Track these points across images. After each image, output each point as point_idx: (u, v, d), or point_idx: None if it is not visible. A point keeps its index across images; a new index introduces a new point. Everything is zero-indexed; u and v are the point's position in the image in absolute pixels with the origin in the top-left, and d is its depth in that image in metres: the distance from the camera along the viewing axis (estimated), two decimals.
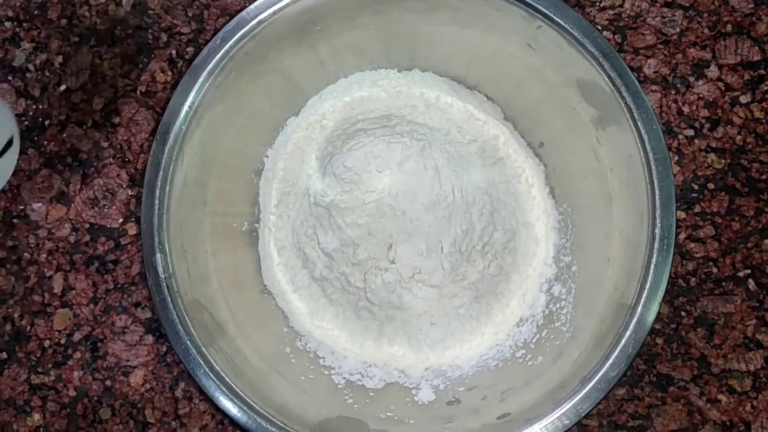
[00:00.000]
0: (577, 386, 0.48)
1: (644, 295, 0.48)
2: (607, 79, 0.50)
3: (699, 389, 0.58)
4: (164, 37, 0.62)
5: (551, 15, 0.50)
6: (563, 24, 0.50)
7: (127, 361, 0.60)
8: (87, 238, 0.61)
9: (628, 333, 0.48)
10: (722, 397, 0.58)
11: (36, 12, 0.63)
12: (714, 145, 0.60)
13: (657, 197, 0.49)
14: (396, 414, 0.54)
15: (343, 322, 0.58)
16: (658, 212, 0.49)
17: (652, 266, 0.48)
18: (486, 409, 0.52)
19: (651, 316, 0.48)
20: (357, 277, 0.56)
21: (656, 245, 0.48)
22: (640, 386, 0.58)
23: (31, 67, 0.62)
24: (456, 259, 0.56)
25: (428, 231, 0.55)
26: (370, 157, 0.55)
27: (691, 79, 0.60)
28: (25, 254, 0.60)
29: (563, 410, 0.48)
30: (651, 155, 0.49)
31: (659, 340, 0.58)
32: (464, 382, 0.56)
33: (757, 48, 0.60)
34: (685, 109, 0.60)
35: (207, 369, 0.50)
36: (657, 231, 0.48)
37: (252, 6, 0.52)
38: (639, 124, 0.49)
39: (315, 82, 0.59)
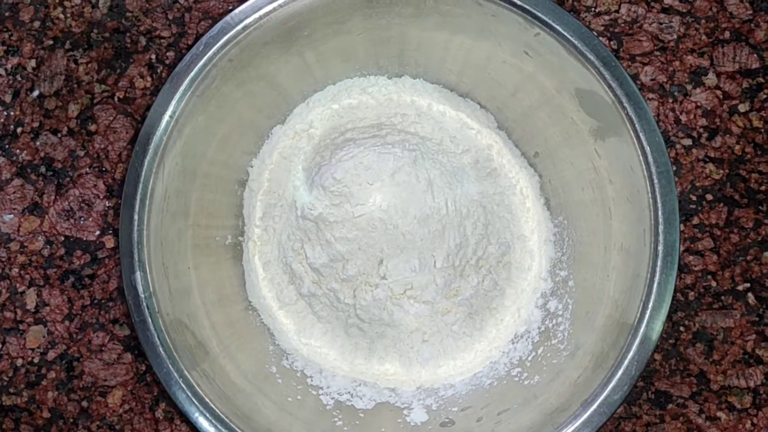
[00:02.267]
0: (579, 410, 0.46)
1: (647, 314, 0.47)
2: (607, 88, 0.48)
3: (698, 406, 0.57)
4: (143, 41, 0.59)
5: (550, 22, 0.48)
6: (563, 31, 0.48)
7: (105, 380, 0.57)
8: (62, 251, 0.58)
9: (630, 354, 0.46)
10: (722, 415, 0.56)
11: (7, 13, 0.60)
12: (712, 154, 0.58)
13: (660, 212, 0.47)
14: None
15: (332, 340, 0.56)
16: (660, 227, 0.47)
17: (655, 284, 0.47)
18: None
19: (654, 335, 0.46)
20: (346, 293, 0.54)
21: (659, 262, 0.47)
22: (638, 404, 0.57)
23: (2, 71, 0.59)
24: (449, 274, 0.54)
25: (421, 245, 0.53)
26: (360, 168, 0.53)
27: (689, 87, 0.59)
28: None
29: None
30: (653, 168, 0.47)
31: (657, 356, 0.57)
32: (458, 402, 0.54)
33: (755, 55, 0.59)
34: (683, 118, 0.59)
35: (189, 393, 0.48)
36: (660, 247, 0.47)
37: (236, 10, 0.49)
38: (641, 135, 0.48)
39: (302, 90, 0.57)
